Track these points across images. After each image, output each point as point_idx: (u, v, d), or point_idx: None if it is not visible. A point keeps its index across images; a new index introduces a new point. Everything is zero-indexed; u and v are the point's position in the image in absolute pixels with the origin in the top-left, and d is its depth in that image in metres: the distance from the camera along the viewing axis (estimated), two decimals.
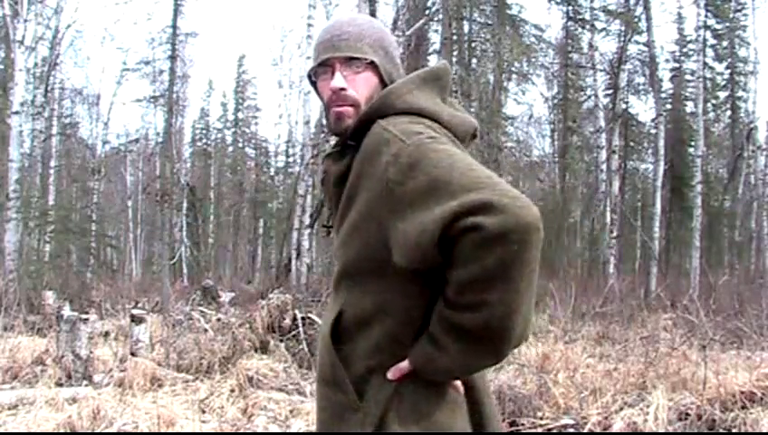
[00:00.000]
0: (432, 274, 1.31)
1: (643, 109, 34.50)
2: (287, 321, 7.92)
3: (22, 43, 14.82)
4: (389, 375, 1.36)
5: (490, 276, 1.20)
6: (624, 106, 19.44)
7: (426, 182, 1.26)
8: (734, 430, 4.75)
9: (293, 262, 15.33)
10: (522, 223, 1.18)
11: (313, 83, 1.56)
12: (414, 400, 1.36)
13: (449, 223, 1.20)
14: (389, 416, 1.35)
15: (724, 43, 23.46)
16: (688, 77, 22.36)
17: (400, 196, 1.29)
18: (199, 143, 36.68)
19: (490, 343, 1.28)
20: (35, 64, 18.80)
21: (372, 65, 1.49)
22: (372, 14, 10.58)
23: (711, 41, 22.63)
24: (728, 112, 24.66)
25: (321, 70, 1.51)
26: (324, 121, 1.64)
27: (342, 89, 1.46)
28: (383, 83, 1.50)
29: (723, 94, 24.66)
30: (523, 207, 1.19)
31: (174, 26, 17.85)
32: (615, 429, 4.88)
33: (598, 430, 4.94)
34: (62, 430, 4.69)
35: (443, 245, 1.23)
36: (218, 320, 8.30)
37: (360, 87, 1.48)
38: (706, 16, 20.40)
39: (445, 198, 1.22)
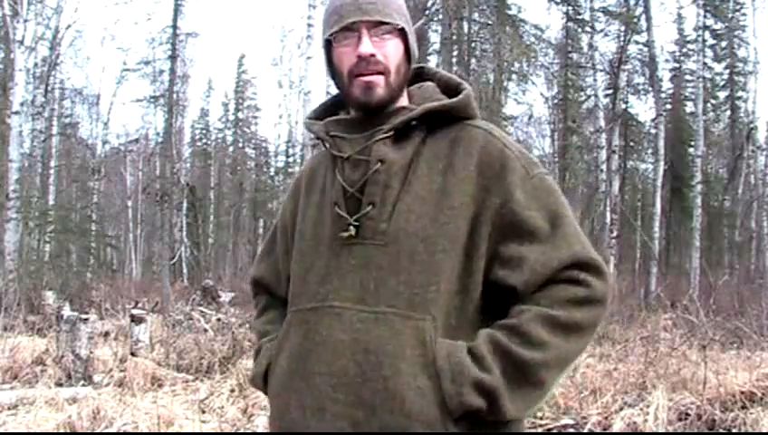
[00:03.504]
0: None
1: (643, 109, 34.46)
2: None
3: (22, 43, 14.82)
4: None
5: (572, 327, 1.27)
6: (624, 106, 19.45)
7: (550, 217, 1.31)
8: (734, 430, 4.75)
9: None
10: (610, 294, 1.31)
11: (328, 52, 1.41)
12: None
13: (566, 266, 1.28)
14: None
15: (724, 44, 23.47)
16: (688, 77, 22.37)
17: (523, 220, 1.29)
18: (199, 143, 36.70)
19: (528, 385, 1.25)
20: (35, 64, 18.76)
21: (401, 32, 1.38)
22: None
23: (710, 41, 22.63)
24: (728, 112, 24.68)
25: (341, 36, 1.37)
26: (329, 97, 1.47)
27: (372, 54, 1.34)
28: (407, 54, 1.40)
29: (723, 94, 24.69)
30: (609, 277, 1.32)
31: (174, 26, 17.86)
32: (615, 429, 4.88)
33: (598, 430, 4.94)
34: (62, 430, 4.69)
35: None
36: (218, 320, 8.32)
37: (390, 53, 1.36)
38: (705, 16, 20.40)
39: (564, 239, 1.30)
